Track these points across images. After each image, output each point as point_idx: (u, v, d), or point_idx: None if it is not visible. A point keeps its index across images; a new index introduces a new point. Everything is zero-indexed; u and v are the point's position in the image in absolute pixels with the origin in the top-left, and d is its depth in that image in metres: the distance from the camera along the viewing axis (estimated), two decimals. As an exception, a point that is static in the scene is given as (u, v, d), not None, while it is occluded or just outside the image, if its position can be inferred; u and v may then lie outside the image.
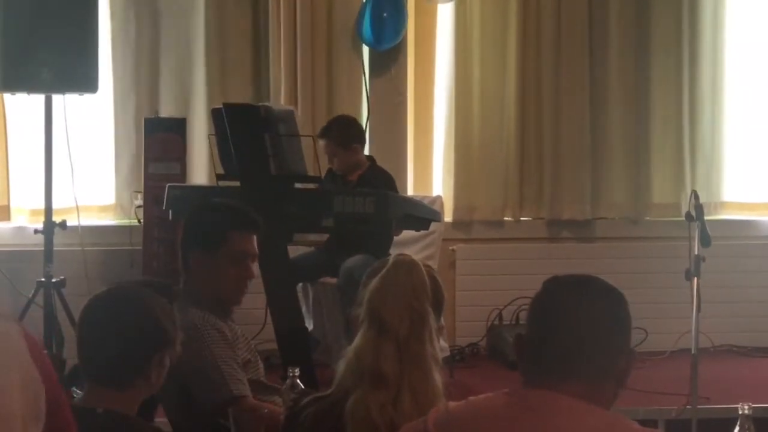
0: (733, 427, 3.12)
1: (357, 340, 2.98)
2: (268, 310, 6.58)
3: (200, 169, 7.59)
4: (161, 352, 2.88)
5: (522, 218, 8.12)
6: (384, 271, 3.01)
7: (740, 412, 3.12)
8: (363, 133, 7.30)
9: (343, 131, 7.02)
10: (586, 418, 2.32)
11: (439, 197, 7.80)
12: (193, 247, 3.91)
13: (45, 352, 2.24)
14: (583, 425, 2.31)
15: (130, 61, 7.67)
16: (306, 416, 3.04)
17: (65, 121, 7.09)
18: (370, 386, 2.91)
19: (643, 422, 2.40)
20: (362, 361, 2.93)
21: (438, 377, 2.95)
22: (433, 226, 6.84)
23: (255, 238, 3.97)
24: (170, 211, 6.51)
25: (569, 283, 2.45)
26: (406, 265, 3.00)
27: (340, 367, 3.01)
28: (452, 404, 2.49)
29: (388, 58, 7.93)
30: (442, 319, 3.16)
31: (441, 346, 3.12)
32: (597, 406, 2.35)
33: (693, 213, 5.67)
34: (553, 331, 2.39)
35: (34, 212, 7.50)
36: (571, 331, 2.37)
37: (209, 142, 6.63)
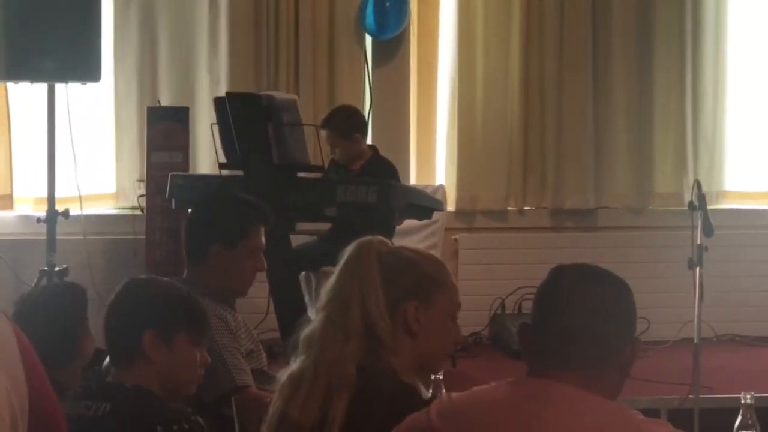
0: (736, 417, 3.13)
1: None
2: (271, 300, 6.59)
3: (203, 159, 7.59)
4: (156, 330, 3.00)
5: (525, 208, 8.12)
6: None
7: (743, 402, 3.13)
8: (364, 123, 7.29)
9: (344, 122, 7.00)
10: (589, 408, 2.32)
11: (441, 186, 7.80)
12: (213, 240, 3.92)
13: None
14: (585, 415, 2.31)
15: (133, 50, 7.67)
16: None
17: (68, 110, 7.09)
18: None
19: (646, 412, 2.40)
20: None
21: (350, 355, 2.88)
22: (435, 215, 6.84)
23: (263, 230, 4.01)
24: (173, 200, 6.52)
25: (573, 272, 2.45)
26: (360, 246, 2.92)
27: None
28: (455, 394, 2.49)
29: (391, 47, 7.93)
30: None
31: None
32: (601, 395, 2.34)
33: (696, 202, 5.67)
34: (557, 319, 2.39)
35: (36, 201, 7.51)
36: (575, 320, 2.37)
37: (212, 132, 6.63)
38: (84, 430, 2.82)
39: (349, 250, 2.91)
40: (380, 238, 2.96)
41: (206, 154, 7.51)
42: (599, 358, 2.37)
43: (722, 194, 8.22)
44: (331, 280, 2.91)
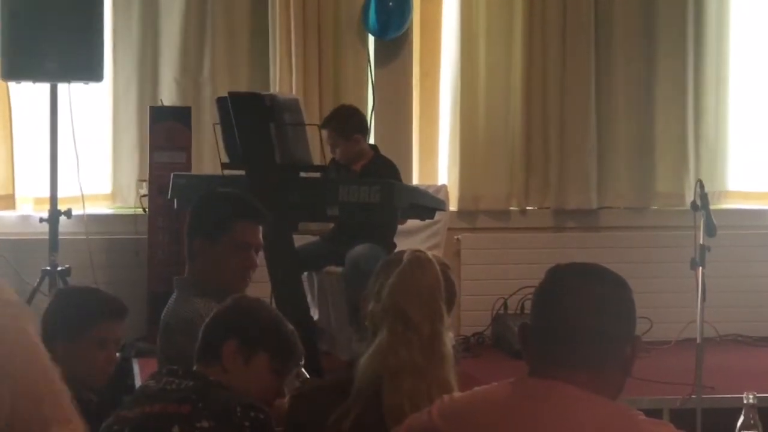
0: (738, 417, 3.13)
1: (384, 336, 2.96)
2: (274, 300, 6.58)
3: (205, 158, 7.58)
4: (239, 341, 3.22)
5: (527, 208, 8.12)
6: (401, 267, 2.99)
7: (745, 402, 3.13)
8: (365, 122, 7.28)
9: (344, 122, 7.00)
10: (590, 408, 2.32)
11: (444, 186, 7.79)
12: (196, 235, 3.93)
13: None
14: (586, 415, 2.31)
15: (135, 50, 7.66)
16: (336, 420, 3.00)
17: (70, 110, 7.09)
18: (410, 377, 2.90)
19: (648, 412, 2.39)
20: (396, 355, 2.93)
21: (453, 376, 2.96)
22: (438, 215, 6.83)
23: (260, 229, 3.97)
24: (175, 200, 6.51)
25: (573, 270, 2.44)
26: (422, 262, 3.00)
27: (363, 362, 2.98)
28: (456, 394, 2.50)
29: (394, 47, 7.93)
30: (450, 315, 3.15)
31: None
32: (603, 395, 2.34)
33: (698, 202, 5.67)
34: (556, 319, 2.39)
35: (39, 201, 7.51)
36: (575, 319, 2.37)
37: (214, 131, 6.63)
38: (162, 398, 3.04)
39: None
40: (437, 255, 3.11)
41: (209, 154, 7.50)
42: (600, 357, 2.37)
43: (725, 194, 8.22)
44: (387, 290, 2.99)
